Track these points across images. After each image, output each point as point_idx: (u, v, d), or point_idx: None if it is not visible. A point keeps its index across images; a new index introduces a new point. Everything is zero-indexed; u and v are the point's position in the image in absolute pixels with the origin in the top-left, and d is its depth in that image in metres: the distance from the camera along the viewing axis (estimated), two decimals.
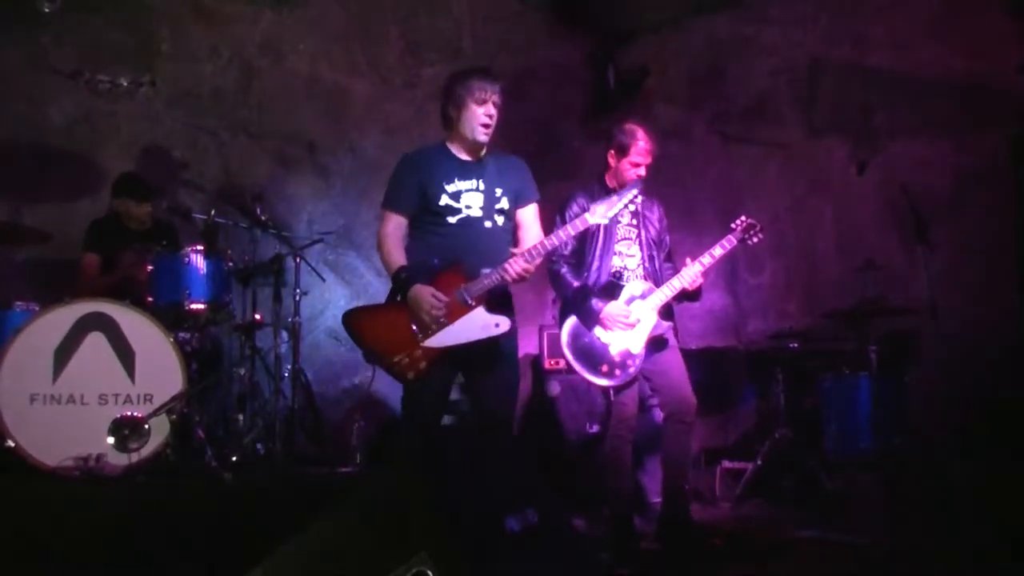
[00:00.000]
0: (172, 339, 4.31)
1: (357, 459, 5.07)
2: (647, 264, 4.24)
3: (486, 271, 3.48)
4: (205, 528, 3.43)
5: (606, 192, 4.23)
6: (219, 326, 5.18)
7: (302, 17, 6.25)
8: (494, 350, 3.55)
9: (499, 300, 3.58)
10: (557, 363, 5.66)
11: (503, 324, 3.48)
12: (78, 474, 3.94)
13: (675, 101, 7.23)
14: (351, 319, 3.62)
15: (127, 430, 4.09)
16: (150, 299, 4.59)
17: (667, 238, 4.42)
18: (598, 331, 4.11)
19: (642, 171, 4.18)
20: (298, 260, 5.28)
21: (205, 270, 4.68)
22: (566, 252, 4.19)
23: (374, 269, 6.26)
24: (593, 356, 4.11)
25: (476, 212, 3.60)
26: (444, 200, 3.58)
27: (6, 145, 5.29)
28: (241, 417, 4.97)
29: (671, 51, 7.30)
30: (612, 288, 4.19)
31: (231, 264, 4.91)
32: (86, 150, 5.57)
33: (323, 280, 5.82)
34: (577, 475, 5.08)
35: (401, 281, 3.53)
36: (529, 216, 3.77)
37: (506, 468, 3.39)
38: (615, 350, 4.08)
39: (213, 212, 5.09)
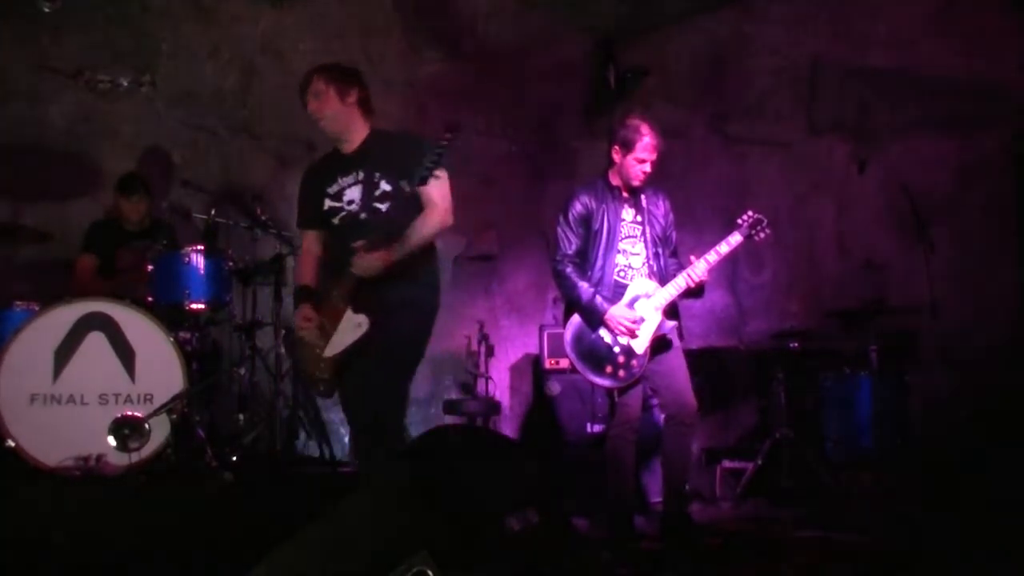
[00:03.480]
0: (172, 339, 4.31)
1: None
2: (652, 262, 4.20)
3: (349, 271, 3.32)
4: (206, 527, 3.43)
5: (610, 189, 4.22)
6: (219, 325, 5.18)
7: (302, 16, 6.24)
8: (368, 349, 3.31)
9: (367, 295, 3.31)
10: (557, 363, 5.65)
11: (363, 323, 3.28)
12: (78, 474, 3.94)
13: (676, 100, 7.22)
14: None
15: (127, 430, 4.09)
16: (150, 299, 4.59)
17: (673, 234, 4.37)
18: (602, 332, 4.10)
19: (647, 167, 4.14)
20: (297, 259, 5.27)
21: (205, 270, 4.67)
22: (570, 251, 4.17)
23: None
24: (597, 357, 4.09)
25: (355, 207, 3.43)
26: (327, 203, 3.49)
27: (6, 145, 5.29)
28: (241, 417, 4.97)
29: (672, 50, 7.29)
30: (617, 288, 4.16)
31: (231, 264, 4.91)
32: (86, 150, 5.57)
33: None
34: (578, 475, 5.08)
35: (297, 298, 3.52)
36: (427, 194, 3.34)
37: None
38: (619, 351, 4.07)
39: (213, 212, 5.09)
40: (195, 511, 3.63)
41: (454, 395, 6.25)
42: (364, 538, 2.98)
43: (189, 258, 4.66)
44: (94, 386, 4.17)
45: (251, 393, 5.06)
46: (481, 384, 6.03)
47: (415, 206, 3.34)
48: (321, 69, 3.51)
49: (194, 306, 4.62)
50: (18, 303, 4.40)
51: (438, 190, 3.33)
